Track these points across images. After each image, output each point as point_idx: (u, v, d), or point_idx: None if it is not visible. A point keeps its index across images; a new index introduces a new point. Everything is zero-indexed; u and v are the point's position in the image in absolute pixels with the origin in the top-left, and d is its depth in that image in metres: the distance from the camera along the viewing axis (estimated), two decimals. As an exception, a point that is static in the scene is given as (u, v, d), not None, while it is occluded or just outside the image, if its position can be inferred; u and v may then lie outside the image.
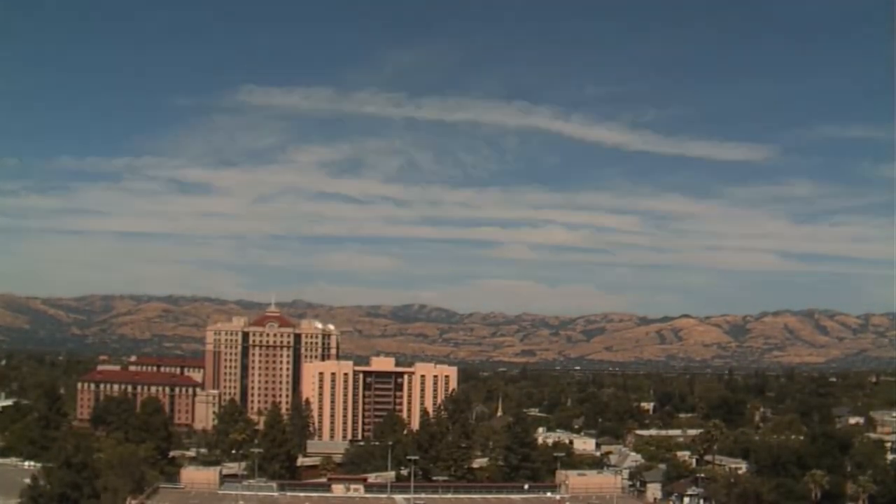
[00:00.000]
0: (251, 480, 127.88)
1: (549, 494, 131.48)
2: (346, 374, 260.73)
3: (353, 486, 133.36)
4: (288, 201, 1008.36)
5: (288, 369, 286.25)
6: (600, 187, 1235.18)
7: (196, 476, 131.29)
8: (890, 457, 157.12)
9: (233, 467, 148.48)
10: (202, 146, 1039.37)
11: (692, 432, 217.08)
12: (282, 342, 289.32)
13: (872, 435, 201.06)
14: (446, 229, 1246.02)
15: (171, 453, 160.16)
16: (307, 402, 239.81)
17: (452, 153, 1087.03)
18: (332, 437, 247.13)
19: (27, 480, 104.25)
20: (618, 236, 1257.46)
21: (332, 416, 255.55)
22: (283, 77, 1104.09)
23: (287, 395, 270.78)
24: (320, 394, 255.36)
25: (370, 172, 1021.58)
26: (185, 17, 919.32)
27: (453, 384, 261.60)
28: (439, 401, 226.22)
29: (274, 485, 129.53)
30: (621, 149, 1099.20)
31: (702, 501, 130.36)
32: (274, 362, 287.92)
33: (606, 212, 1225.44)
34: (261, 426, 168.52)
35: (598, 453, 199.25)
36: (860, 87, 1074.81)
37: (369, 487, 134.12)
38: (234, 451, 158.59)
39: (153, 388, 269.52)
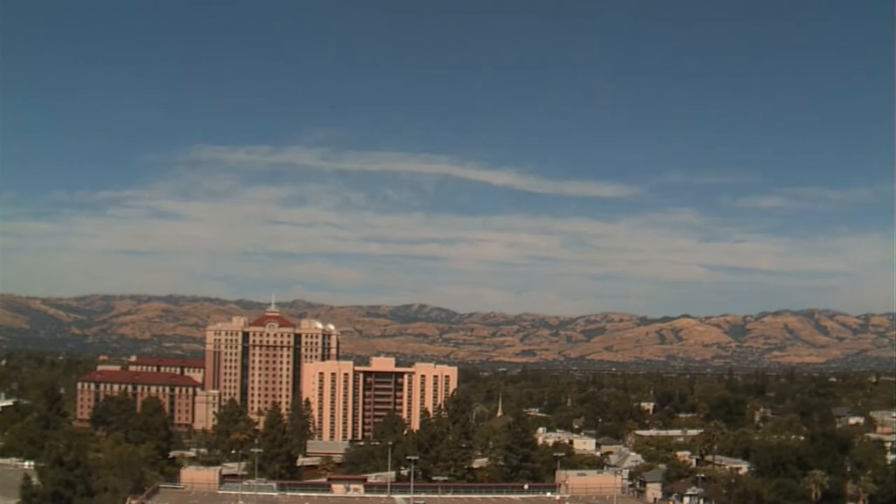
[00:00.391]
0: (251, 480, 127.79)
1: (549, 494, 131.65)
2: (346, 374, 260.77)
3: (353, 486, 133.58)
4: (250, 226, 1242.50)
5: (288, 369, 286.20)
6: (511, 214, 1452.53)
7: (196, 476, 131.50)
8: (890, 457, 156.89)
9: (233, 467, 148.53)
10: (170, 188, 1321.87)
11: (692, 432, 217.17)
12: (282, 342, 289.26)
13: (872, 435, 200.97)
14: (392, 246, 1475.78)
15: (171, 453, 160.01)
16: (307, 402, 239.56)
17: (380, 192, 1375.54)
18: (332, 437, 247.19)
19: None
20: (547, 252, 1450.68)
21: (332, 416, 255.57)
22: (227, 138, 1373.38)
23: (287, 395, 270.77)
24: (320, 394, 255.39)
25: (312, 206, 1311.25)
26: (142, 93, 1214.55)
27: (453, 384, 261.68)
28: (439, 401, 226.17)
29: (274, 485, 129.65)
30: (512, 188, 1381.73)
31: (702, 501, 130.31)
32: (274, 362, 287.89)
33: (528, 233, 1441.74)
34: (261, 426, 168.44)
35: (598, 453, 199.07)
36: (708, 137, 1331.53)
37: (369, 487, 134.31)
38: (234, 451, 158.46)
39: (153, 388, 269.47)
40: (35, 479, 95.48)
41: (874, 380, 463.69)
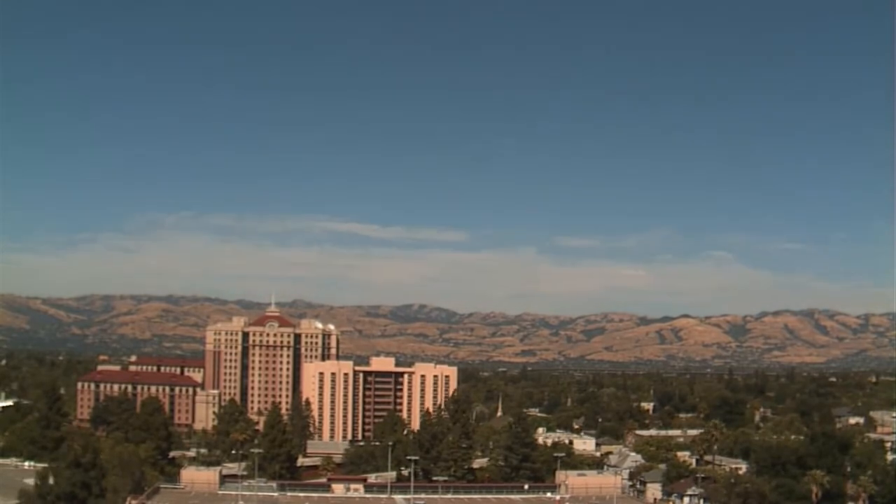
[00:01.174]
0: (251, 480, 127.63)
1: (549, 495, 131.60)
2: (346, 374, 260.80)
3: (353, 486, 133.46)
4: (199, 257, 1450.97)
5: (288, 369, 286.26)
6: (389, 248, 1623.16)
7: (196, 476, 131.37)
8: (890, 457, 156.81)
9: (233, 467, 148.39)
10: (127, 237, 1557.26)
11: (692, 432, 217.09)
12: (282, 342, 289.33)
13: (872, 435, 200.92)
14: (316, 269, 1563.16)
15: (172, 453, 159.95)
16: (307, 402, 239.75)
17: (286, 241, 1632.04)
18: (332, 437, 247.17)
19: (27, 480, 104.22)
20: (443, 274, 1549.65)
21: (332, 416, 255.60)
22: (159, 207, 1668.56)
23: (287, 395, 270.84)
24: (320, 394, 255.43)
25: (238, 245, 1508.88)
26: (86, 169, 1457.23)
27: (453, 384, 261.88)
28: (439, 401, 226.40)
29: (274, 485, 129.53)
30: (373, 236, 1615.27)
31: (702, 501, 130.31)
32: (274, 362, 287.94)
33: (414, 261, 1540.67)
34: (261, 426, 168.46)
35: (598, 453, 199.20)
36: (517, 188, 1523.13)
37: (369, 487, 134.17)
38: (234, 452, 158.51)
39: (153, 388, 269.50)
40: (50, 479, 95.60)
41: (874, 380, 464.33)
